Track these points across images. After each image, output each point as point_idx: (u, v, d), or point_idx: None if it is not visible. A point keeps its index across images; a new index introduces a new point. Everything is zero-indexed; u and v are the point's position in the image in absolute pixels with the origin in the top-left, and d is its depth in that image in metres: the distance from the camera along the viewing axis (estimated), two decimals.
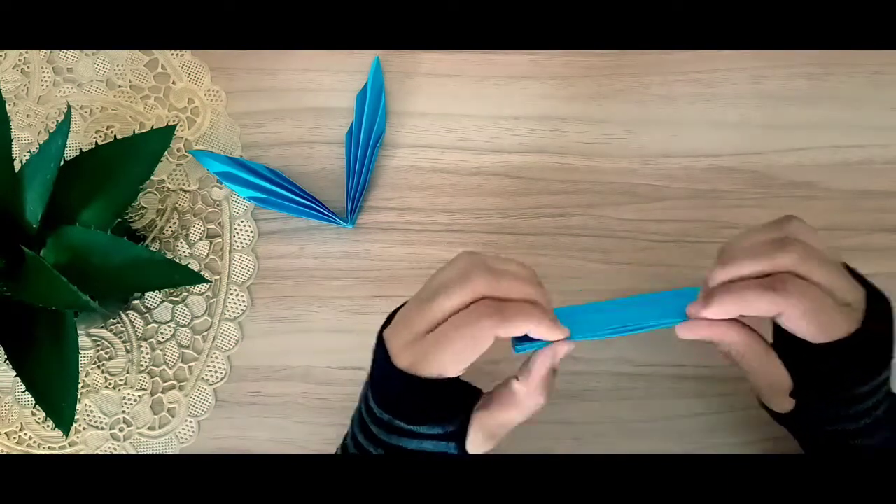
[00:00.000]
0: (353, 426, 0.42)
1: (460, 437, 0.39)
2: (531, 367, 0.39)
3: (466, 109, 0.56)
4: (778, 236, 0.38)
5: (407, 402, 0.38)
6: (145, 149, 0.47)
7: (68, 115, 0.44)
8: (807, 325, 0.36)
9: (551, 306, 0.39)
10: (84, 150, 0.47)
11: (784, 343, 0.39)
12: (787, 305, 0.36)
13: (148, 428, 0.53)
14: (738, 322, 0.39)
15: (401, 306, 0.40)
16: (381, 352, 0.39)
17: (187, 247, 0.55)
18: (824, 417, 0.39)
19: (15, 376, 0.47)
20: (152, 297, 0.54)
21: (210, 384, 0.53)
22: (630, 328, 0.40)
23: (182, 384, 0.53)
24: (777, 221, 0.39)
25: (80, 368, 0.46)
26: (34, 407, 0.53)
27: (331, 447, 0.52)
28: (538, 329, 0.37)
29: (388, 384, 0.39)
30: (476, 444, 0.40)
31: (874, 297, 0.38)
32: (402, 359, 0.38)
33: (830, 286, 0.37)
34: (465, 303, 0.37)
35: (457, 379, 0.38)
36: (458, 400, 0.40)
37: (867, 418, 0.39)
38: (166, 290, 0.54)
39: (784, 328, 0.37)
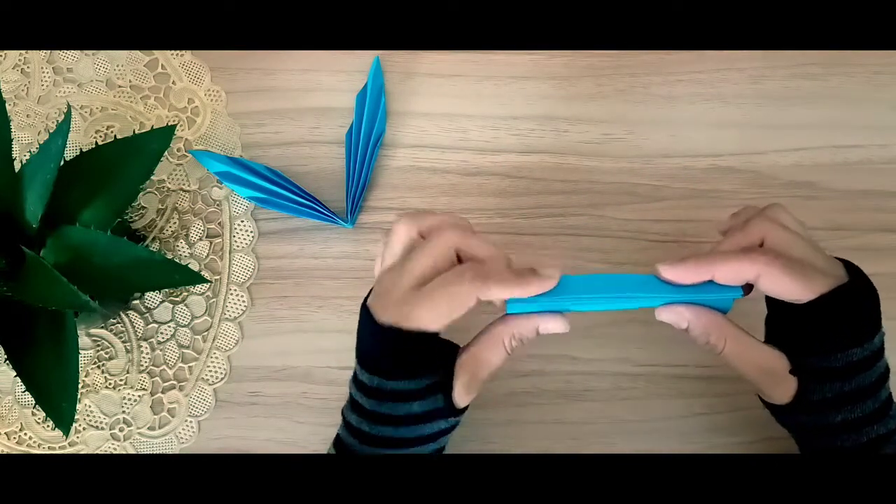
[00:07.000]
0: (344, 415, 0.43)
1: (446, 387, 0.40)
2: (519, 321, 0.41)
3: (466, 109, 0.56)
4: (753, 213, 0.42)
5: (391, 358, 0.40)
6: (145, 149, 0.47)
7: (68, 115, 0.44)
8: (790, 280, 0.38)
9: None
10: (84, 150, 0.47)
11: (775, 326, 0.41)
12: (768, 263, 0.37)
13: (148, 428, 0.53)
14: (711, 309, 0.40)
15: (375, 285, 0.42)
16: (365, 317, 0.41)
17: (187, 247, 0.55)
18: (828, 398, 0.39)
19: (15, 376, 0.47)
20: (152, 297, 0.54)
21: (210, 384, 0.53)
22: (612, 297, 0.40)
23: (182, 384, 0.53)
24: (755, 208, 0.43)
25: (80, 368, 0.46)
26: (34, 407, 0.53)
27: None
28: (522, 293, 0.39)
29: (373, 344, 0.41)
30: (461, 390, 0.40)
31: (850, 267, 0.40)
32: (387, 316, 0.39)
33: (804, 251, 0.39)
34: (441, 254, 0.40)
35: (437, 337, 0.40)
36: (440, 354, 0.41)
37: (872, 398, 0.39)
38: (166, 290, 0.54)
39: (771, 296, 0.39)
